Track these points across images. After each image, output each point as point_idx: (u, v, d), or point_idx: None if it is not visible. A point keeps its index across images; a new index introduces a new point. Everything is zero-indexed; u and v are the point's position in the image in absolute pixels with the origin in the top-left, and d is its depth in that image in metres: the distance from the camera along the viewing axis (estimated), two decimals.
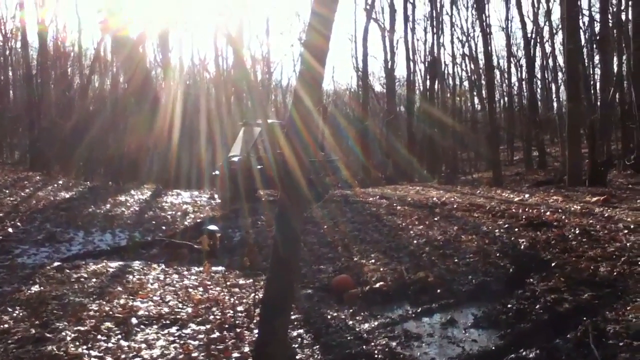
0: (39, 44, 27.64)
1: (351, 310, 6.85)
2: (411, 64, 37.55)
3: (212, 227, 10.98)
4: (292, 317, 6.07)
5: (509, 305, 6.81)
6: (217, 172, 16.57)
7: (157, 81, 36.29)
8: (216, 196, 16.11)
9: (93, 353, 4.68)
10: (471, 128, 41.05)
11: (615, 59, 28.27)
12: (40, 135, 24.95)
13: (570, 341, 5.44)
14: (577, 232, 10.07)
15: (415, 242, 10.10)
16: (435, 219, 12.28)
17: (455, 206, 13.86)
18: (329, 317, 6.48)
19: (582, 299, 6.79)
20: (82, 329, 5.30)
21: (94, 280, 7.49)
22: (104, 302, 6.29)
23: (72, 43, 35.57)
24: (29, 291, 6.89)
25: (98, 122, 26.32)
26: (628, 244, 9.07)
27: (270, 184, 15.12)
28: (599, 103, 27.61)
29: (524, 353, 5.26)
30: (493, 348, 5.65)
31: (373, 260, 9.09)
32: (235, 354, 4.94)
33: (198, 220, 12.46)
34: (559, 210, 12.69)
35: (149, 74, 24.72)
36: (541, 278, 7.75)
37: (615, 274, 7.57)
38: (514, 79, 44.96)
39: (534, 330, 6.02)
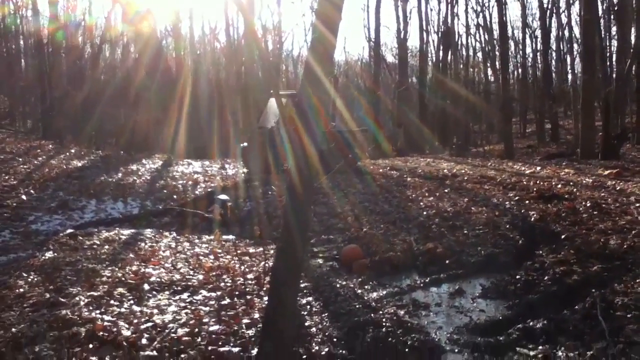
0: (50, 12, 27.52)
1: (360, 280, 6.91)
2: (424, 34, 37.07)
3: (223, 197, 11.06)
4: (302, 285, 6.14)
5: (518, 277, 6.84)
6: (245, 144, 16.56)
7: (168, 51, 36.15)
8: (242, 167, 16.17)
9: (106, 317, 4.77)
10: (484, 100, 40.57)
11: (633, 30, 27.65)
12: (52, 105, 25.02)
13: (578, 312, 5.46)
14: (588, 205, 10.01)
15: (425, 213, 10.10)
16: (446, 190, 12.26)
17: (465, 178, 13.81)
18: (337, 285, 6.54)
19: (591, 271, 6.79)
20: (95, 294, 5.40)
21: (106, 247, 7.60)
22: (117, 269, 6.39)
23: (83, 12, 35.44)
24: (43, 257, 7.01)
25: (109, 92, 26.36)
26: (639, 217, 9.02)
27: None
28: (614, 76, 27.13)
29: (531, 323, 5.30)
30: (500, 318, 5.70)
31: (382, 231, 9.13)
32: (246, 320, 5.02)
33: (209, 190, 12.54)
34: (571, 183, 12.60)
35: (159, 43, 24.62)
36: (550, 250, 7.75)
37: (625, 247, 7.55)
38: (528, 50, 44.27)
39: (542, 302, 6.05)
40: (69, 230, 8.78)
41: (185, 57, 29.97)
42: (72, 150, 17.53)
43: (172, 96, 22.09)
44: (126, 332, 4.47)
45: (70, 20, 32.03)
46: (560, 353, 4.56)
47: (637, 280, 6.20)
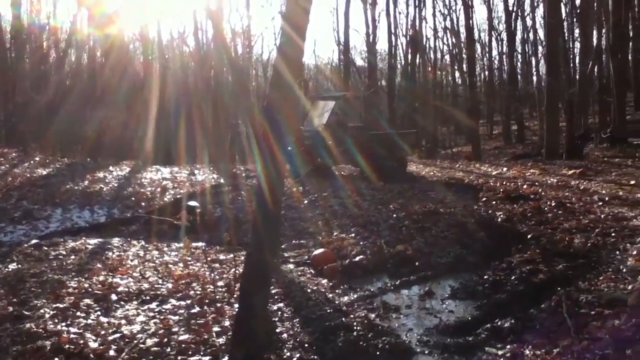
0: (12, 16, 26.84)
1: (331, 284, 6.92)
2: (393, 37, 37.38)
3: (192, 203, 10.94)
4: (273, 291, 6.13)
5: (486, 277, 6.96)
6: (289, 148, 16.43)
7: (136, 55, 35.63)
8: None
9: (72, 330, 4.68)
10: (452, 102, 41.16)
11: (595, 32, 28.43)
12: (15, 111, 24.39)
13: (544, 311, 5.58)
14: (553, 204, 10.25)
15: (394, 216, 10.18)
16: (415, 192, 12.38)
17: (434, 180, 13.98)
18: (309, 290, 6.54)
19: (556, 269, 6.95)
20: (61, 306, 5.28)
21: (72, 257, 7.44)
22: (83, 279, 6.26)
23: (48, 16, 34.67)
24: (6, 269, 6.82)
25: (75, 97, 25.82)
26: (602, 216, 9.27)
27: (345, 157, 15.50)
28: (577, 77, 27.83)
29: (499, 323, 5.39)
30: (469, 318, 5.78)
31: (353, 235, 9.16)
32: (216, 328, 4.97)
33: (178, 196, 12.39)
34: (536, 183, 12.88)
35: (126, 47, 24.28)
36: (517, 250, 7.90)
37: (589, 245, 7.75)
38: (494, 52, 45.13)
39: (510, 301, 6.16)
40: (34, 241, 8.56)
41: (154, 62, 29.56)
42: (37, 158, 17.12)
43: (139, 101, 21.79)
44: (93, 344, 4.38)
45: (34, 24, 31.30)
46: (527, 351, 4.64)
47: (601, 278, 6.37)
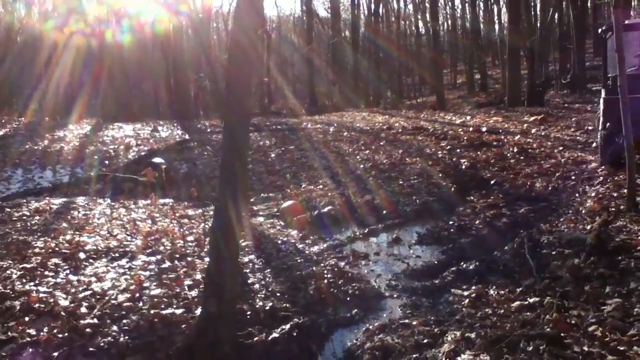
0: None
1: (301, 235, 7.00)
2: None
3: (158, 160, 10.80)
4: (243, 243, 6.17)
5: (451, 222, 7.15)
6: None
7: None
8: None
9: (42, 289, 4.63)
10: (415, 52, 40.98)
11: None
12: None
13: (507, 252, 5.78)
14: (516, 150, 10.48)
15: (361, 166, 10.27)
16: (381, 143, 12.47)
17: (400, 130, 14.07)
18: (279, 242, 6.61)
19: (519, 213, 7.18)
20: (28, 266, 5.21)
21: (37, 218, 7.30)
22: (49, 239, 6.17)
23: None
24: None
25: (27, 54, 24.74)
26: (562, 160, 9.54)
27: None
28: (538, 24, 27.97)
29: (464, 265, 5.56)
30: (436, 262, 5.95)
31: (321, 186, 9.22)
32: (187, 282, 5.00)
33: (142, 154, 12.18)
34: (499, 131, 13.10)
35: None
36: (481, 195, 8.11)
37: (550, 188, 8.00)
38: (457, 1, 44.83)
39: (474, 245, 6.36)
40: None
41: (109, 16, 28.42)
42: None
43: (94, 58, 21.06)
44: (64, 302, 4.36)
45: None
46: (491, 292, 4.81)
47: (561, 219, 6.60)
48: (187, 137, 14.32)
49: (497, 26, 42.29)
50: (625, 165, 6.75)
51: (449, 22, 44.16)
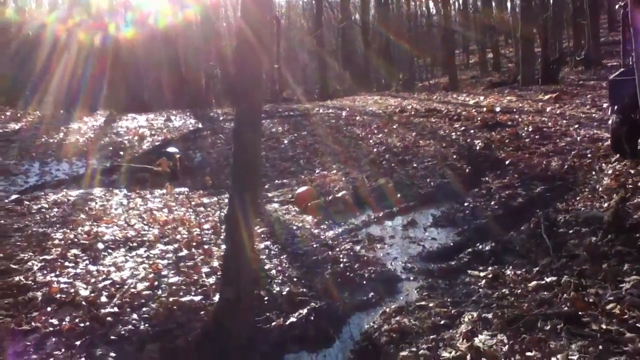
0: None
1: (316, 220, 7.02)
2: None
3: (172, 150, 10.86)
4: (259, 230, 6.21)
5: (466, 204, 7.12)
6: None
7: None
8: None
9: (62, 280, 4.71)
10: (427, 33, 40.57)
11: None
12: None
13: (523, 232, 5.75)
14: (530, 130, 10.37)
15: (375, 150, 10.24)
16: (394, 126, 12.41)
17: (413, 113, 13.99)
18: (294, 227, 6.64)
19: (534, 193, 7.13)
20: (48, 257, 5.29)
21: (55, 210, 7.40)
22: (68, 231, 6.25)
23: None
24: None
25: (41, 48, 24.87)
26: (578, 138, 9.42)
27: None
28: (551, 1, 27.52)
29: (480, 247, 5.55)
30: (451, 244, 5.95)
31: (335, 171, 9.22)
32: (205, 269, 5.05)
33: (157, 144, 12.26)
34: (513, 110, 12.96)
35: None
36: (496, 176, 8.05)
37: (565, 167, 7.91)
38: None
39: (490, 226, 6.33)
40: (14, 196, 8.46)
41: (119, 6, 28.43)
42: (8, 113, 16.68)
43: (105, 49, 21.10)
44: (84, 292, 4.43)
45: None
46: (508, 272, 4.80)
47: (578, 198, 6.55)
48: (200, 126, 14.37)
49: (509, 3, 41.67)
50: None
51: (460, 1, 43.57)
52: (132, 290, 4.52)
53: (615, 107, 7.43)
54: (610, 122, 7.81)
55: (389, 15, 35.41)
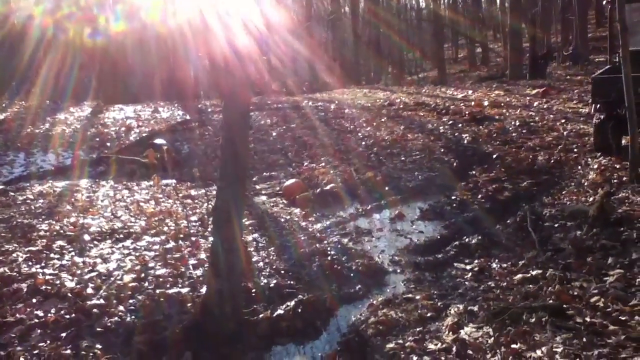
0: None
1: (304, 213, 7.02)
2: None
3: (160, 141, 10.78)
4: (247, 222, 6.20)
5: (453, 197, 7.15)
6: None
7: None
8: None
9: (47, 271, 4.67)
10: (416, 27, 40.58)
11: None
12: None
13: (510, 226, 5.81)
14: (517, 124, 10.43)
15: (363, 143, 10.25)
16: (383, 120, 12.42)
17: (401, 106, 14.00)
18: (282, 220, 6.63)
19: (521, 186, 7.18)
20: (33, 249, 5.25)
21: (41, 201, 7.33)
22: (54, 222, 6.20)
23: None
24: None
25: (29, 37, 24.55)
26: (565, 133, 9.50)
27: None
28: None
29: (467, 240, 5.59)
30: (439, 237, 5.98)
31: (323, 164, 9.22)
32: (192, 261, 5.04)
33: (144, 135, 12.17)
34: (501, 104, 13.02)
35: None
36: (483, 170, 8.10)
37: (552, 161, 7.98)
38: None
39: (477, 219, 6.37)
40: None
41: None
42: None
43: (93, 39, 20.88)
44: (70, 284, 4.40)
45: None
46: (494, 265, 4.84)
47: (564, 192, 6.60)
48: (187, 117, 14.27)
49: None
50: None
51: None
52: (119, 282, 4.50)
53: (599, 105, 7.49)
54: (594, 120, 7.86)
55: (379, 8, 35.30)
